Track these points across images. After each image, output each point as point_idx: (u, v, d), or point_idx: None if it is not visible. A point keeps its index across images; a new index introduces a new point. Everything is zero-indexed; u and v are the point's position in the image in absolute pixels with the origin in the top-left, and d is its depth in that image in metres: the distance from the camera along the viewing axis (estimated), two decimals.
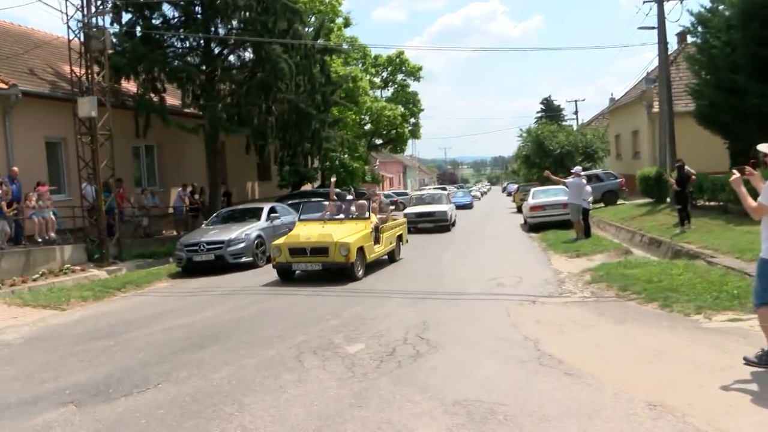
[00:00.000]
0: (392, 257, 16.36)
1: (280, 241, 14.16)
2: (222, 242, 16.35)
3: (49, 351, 8.61)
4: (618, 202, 29.21)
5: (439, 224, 25.61)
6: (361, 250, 13.62)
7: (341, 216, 15.01)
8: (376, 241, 14.72)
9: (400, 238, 17.19)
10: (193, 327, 9.49)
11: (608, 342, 7.26)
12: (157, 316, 10.68)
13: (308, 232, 13.92)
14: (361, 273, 13.55)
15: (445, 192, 35.08)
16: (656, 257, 14.32)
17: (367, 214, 14.89)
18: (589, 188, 18.74)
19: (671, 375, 5.87)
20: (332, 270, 13.30)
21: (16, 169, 16.60)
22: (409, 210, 27.06)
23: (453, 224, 27.22)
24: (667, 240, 15.70)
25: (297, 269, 13.82)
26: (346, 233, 13.60)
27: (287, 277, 13.82)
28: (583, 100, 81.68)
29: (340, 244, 13.14)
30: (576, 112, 59.86)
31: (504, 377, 6.15)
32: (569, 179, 18.74)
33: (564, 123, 66.05)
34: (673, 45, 31.28)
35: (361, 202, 15.92)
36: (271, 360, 7.26)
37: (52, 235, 16.71)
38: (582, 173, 19.04)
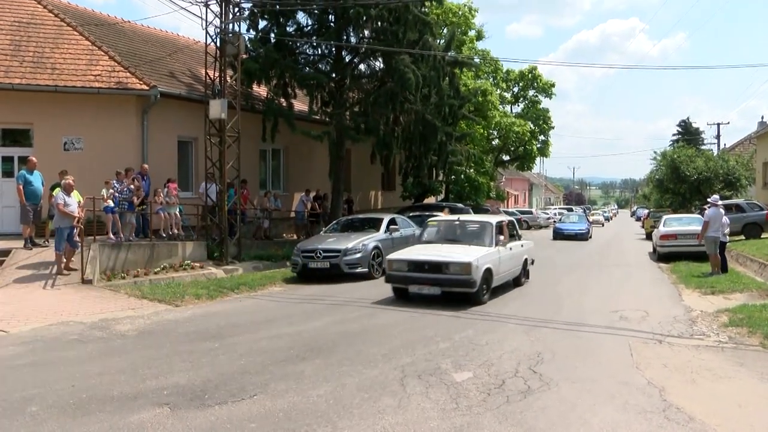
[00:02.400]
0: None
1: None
2: (339, 251, 16.34)
3: (157, 347, 8.75)
4: (763, 236, 26.89)
5: None
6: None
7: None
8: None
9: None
10: (299, 336, 9.38)
11: (752, 401, 6.40)
12: (265, 322, 10.68)
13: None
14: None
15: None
16: None
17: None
18: (726, 219, 17.33)
19: None
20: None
21: (146, 166, 17.43)
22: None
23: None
24: None
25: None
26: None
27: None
28: (727, 123, 77.19)
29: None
30: (718, 136, 55.63)
31: (622, 429, 5.51)
32: (707, 209, 17.46)
33: (703, 147, 62.46)
34: None
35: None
36: (373, 381, 6.99)
37: (176, 231, 17.32)
38: (719, 202, 17.62)
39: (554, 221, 41.77)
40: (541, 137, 49.64)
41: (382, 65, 23.77)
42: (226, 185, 18.18)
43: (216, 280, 15.33)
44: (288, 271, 17.26)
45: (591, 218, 56.91)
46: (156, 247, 16.24)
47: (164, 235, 16.98)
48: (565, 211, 52.22)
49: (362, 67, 24.54)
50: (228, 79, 18.61)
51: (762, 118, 45.32)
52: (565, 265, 20.80)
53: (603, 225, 58.85)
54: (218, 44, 18.30)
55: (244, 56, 20.26)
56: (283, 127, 21.76)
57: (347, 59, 23.67)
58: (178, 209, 17.58)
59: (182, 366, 7.67)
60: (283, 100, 22.47)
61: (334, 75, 23.15)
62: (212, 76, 18.46)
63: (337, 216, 22.34)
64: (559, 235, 34.98)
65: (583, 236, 34.60)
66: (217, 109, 17.53)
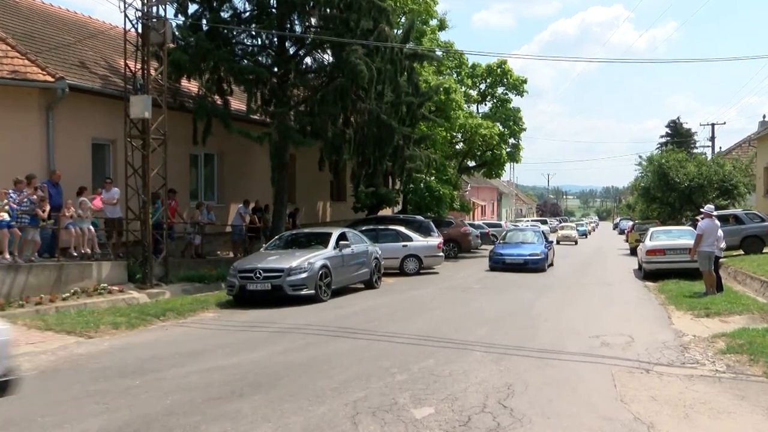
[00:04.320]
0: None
1: None
2: (281, 270, 16.28)
3: (63, 388, 8.49)
4: (764, 251, 27.47)
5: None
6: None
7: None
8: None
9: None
10: (236, 369, 9.29)
11: None
12: (196, 354, 10.53)
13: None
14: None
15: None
16: None
17: None
18: (721, 232, 17.69)
19: None
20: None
21: (59, 173, 16.93)
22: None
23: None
24: None
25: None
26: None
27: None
28: (723, 123, 78.65)
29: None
30: (712, 138, 56.62)
31: None
32: (700, 220, 17.79)
33: (695, 151, 63.80)
34: None
35: None
36: (321, 419, 6.94)
37: (90, 249, 16.94)
38: (714, 213, 17.99)
39: (499, 241, 31.34)
40: (512, 140, 49.96)
41: (331, 58, 23.86)
42: (150, 196, 17.90)
43: (138, 306, 15.06)
44: (223, 294, 17.13)
45: (559, 233, 55.60)
46: (65, 268, 15.82)
47: (75, 254, 16.59)
48: (513, 226, 46.27)
49: (308, 60, 24.58)
50: (152, 71, 18.36)
51: (764, 117, 45.98)
52: (539, 286, 21.01)
53: (576, 242, 52.75)
54: (140, 30, 18.04)
55: (172, 46, 20.04)
56: (218, 128, 21.58)
57: (291, 51, 23.64)
58: (91, 223, 17.15)
59: (94, 409, 7.45)
60: (217, 97, 22.31)
61: (276, 69, 23.08)
62: (133, 68, 18.20)
63: (280, 230, 22.22)
64: (498, 262, 26.46)
65: (536, 265, 25.79)
66: (139, 106, 17.25)
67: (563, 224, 67.70)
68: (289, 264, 16.46)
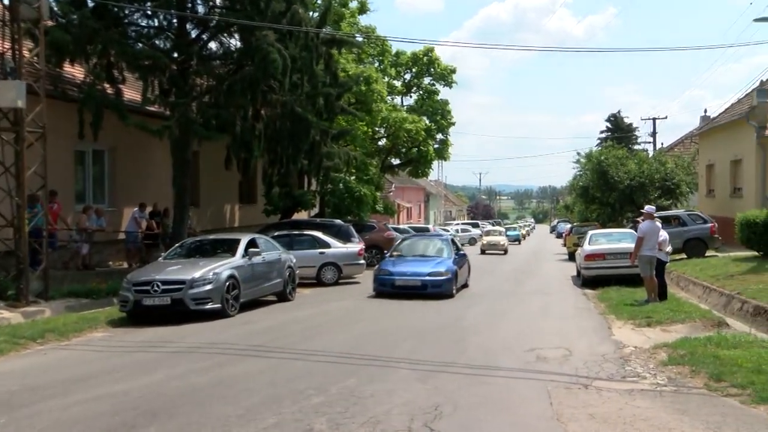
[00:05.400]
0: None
1: None
2: (183, 282, 15.97)
3: None
4: (707, 254, 28.40)
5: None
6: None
7: None
8: None
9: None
10: (127, 397, 9.04)
11: None
12: (80, 380, 10.17)
13: None
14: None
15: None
16: (766, 335, 13.53)
17: None
18: (665, 234, 18.19)
19: None
20: None
21: None
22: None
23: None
24: None
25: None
26: None
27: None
28: (665, 118, 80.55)
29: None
30: (654, 134, 58.22)
31: None
32: (641, 222, 18.24)
33: (637, 147, 65.57)
34: None
35: None
36: None
37: None
38: (655, 214, 18.52)
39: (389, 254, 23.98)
40: (440, 136, 50.65)
41: (239, 43, 23.61)
42: (26, 198, 17.26)
43: (9, 328, 14.32)
44: (115, 310, 16.69)
45: (484, 240, 49.77)
46: None
47: None
48: (413, 231, 38.12)
49: (213, 45, 24.26)
50: (26, 53, 17.65)
51: (705, 112, 47.69)
52: (471, 295, 21.29)
53: (506, 251, 46.98)
54: (7, 2, 17.38)
55: (50, 23, 19.42)
56: (108, 121, 21.00)
57: (193, 34, 23.32)
58: None
59: None
60: (107, 85, 21.76)
61: (176, 54, 22.75)
62: (0, 48, 17.51)
63: (182, 237, 21.82)
64: (385, 285, 20.73)
65: (438, 288, 20.22)
66: (10, 94, 16.51)
67: (489, 228, 59.26)
68: (191, 275, 16.15)
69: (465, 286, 22.80)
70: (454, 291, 20.64)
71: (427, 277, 20.34)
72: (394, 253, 22.71)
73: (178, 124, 21.56)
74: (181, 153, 22.48)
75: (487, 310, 17.93)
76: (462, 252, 24.28)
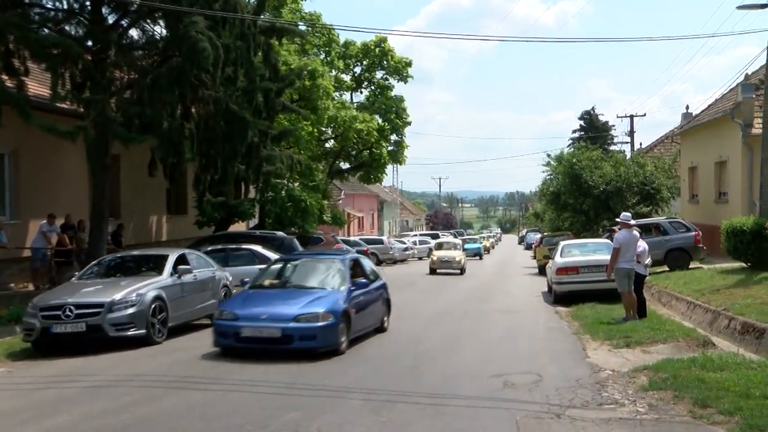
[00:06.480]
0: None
1: None
2: (101, 305, 15.73)
3: None
4: (691, 266, 28.80)
5: None
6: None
7: None
8: None
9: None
10: None
11: None
12: None
13: None
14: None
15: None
16: (756, 355, 13.72)
17: None
18: (644, 245, 18.42)
19: None
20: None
21: None
22: None
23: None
24: None
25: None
26: None
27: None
28: (643, 115, 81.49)
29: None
30: (631, 133, 58.85)
31: None
32: (617, 232, 18.44)
33: (613, 148, 66.34)
34: None
35: None
36: None
37: None
38: (632, 221, 18.70)
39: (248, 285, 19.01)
40: (394, 137, 50.86)
41: (164, 31, 23.37)
42: None
43: None
44: (17, 340, 16.39)
45: (435, 255, 42.37)
46: None
47: None
48: (305, 252, 27.45)
49: (135, 33, 23.98)
50: None
51: (687, 108, 48.19)
52: (431, 314, 21.32)
53: (462, 271, 41.05)
54: None
55: None
56: (9, 119, 20.60)
57: (111, 20, 22.98)
58: None
59: None
60: (7, 77, 21.37)
61: (90, 43, 22.43)
62: None
63: (100, 253, 21.51)
64: (229, 335, 15.01)
65: (310, 341, 14.51)
66: None
67: (441, 241, 49.99)
68: (111, 297, 15.92)
69: (380, 329, 17.75)
70: (342, 344, 14.87)
71: (292, 324, 14.48)
72: (254, 285, 17.01)
73: (94, 124, 21.16)
74: (98, 157, 22.16)
75: (448, 332, 17.94)
76: (374, 281, 18.14)
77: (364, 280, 17.14)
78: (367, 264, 19.66)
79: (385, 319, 18.24)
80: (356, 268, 17.59)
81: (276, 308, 15.05)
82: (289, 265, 18.12)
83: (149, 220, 31.45)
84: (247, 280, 17.54)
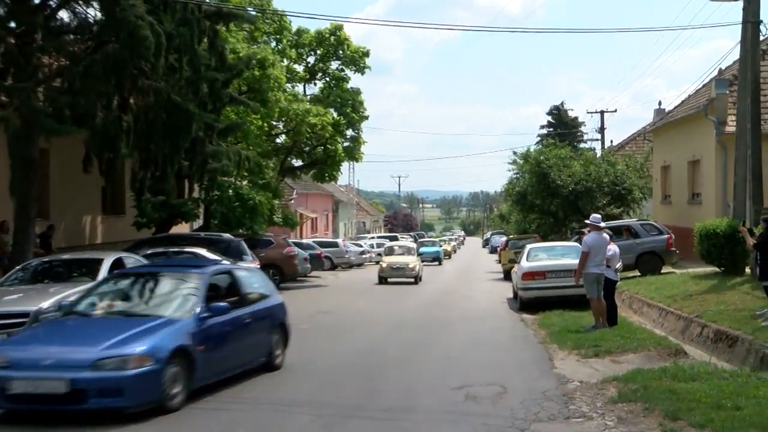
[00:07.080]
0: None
1: None
2: (26, 314, 15.27)
3: None
4: (663, 270, 29.03)
5: None
6: None
7: None
8: None
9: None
10: None
11: None
12: None
13: None
14: None
15: None
16: (728, 364, 13.94)
17: None
18: (615, 249, 18.48)
19: None
20: None
21: None
22: None
23: None
24: (746, 336, 15.24)
25: None
26: None
27: None
28: (614, 111, 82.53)
29: None
30: (602, 130, 59.31)
31: None
32: (586, 234, 18.51)
33: (582, 145, 66.81)
34: None
35: None
36: None
37: None
38: (602, 224, 18.76)
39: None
40: (350, 132, 50.72)
41: (99, 14, 23.06)
42: None
43: None
44: None
45: (384, 261, 39.74)
46: None
47: None
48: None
49: (65, 15, 23.57)
50: None
51: (659, 104, 48.67)
52: (388, 323, 21.26)
53: (417, 279, 38.24)
54: None
55: None
56: None
57: (38, 0, 22.64)
58: None
59: None
60: None
61: (13, 24, 22.03)
62: None
63: (26, 258, 21.20)
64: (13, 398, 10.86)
65: (115, 398, 10.62)
66: None
67: (391, 244, 47.15)
68: (38, 305, 15.47)
69: (269, 367, 14.12)
70: (175, 397, 11.24)
71: (86, 373, 10.66)
72: (74, 309, 13.43)
73: (18, 114, 20.90)
74: (22, 151, 21.76)
75: (407, 341, 17.91)
76: (257, 301, 14.63)
77: (224, 304, 12.93)
78: (250, 277, 15.63)
79: (278, 352, 14.59)
80: (221, 286, 14.08)
81: (69, 349, 11.27)
82: (124, 282, 14.45)
83: (82, 220, 31.04)
84: (66, 302, 14.72)
